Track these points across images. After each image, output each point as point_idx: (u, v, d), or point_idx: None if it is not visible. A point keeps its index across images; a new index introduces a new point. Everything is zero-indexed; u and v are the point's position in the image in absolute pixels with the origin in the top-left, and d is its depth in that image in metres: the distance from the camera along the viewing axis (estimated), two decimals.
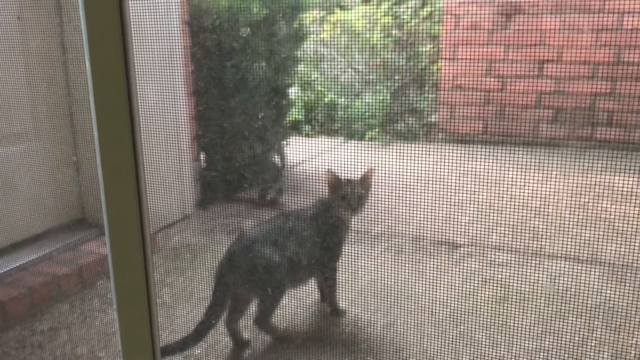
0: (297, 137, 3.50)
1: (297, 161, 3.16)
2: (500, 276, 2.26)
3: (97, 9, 0.91)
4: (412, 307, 2.09)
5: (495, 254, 2.39)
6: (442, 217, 2.39)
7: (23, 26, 2.30)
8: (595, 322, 1.93)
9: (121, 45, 0.93)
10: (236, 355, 2.00)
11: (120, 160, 1.01)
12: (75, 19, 2.34)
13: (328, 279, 2.08)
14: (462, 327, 1.98)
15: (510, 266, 2.32)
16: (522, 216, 2.53)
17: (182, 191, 2.81)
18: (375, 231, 2.58)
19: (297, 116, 3.70)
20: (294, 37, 3.04)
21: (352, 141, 3.61)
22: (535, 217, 2.54)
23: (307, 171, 2.89)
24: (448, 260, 2.38)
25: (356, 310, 2.12)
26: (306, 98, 3.89)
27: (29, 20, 2.32)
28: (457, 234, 2.49)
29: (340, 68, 4.08)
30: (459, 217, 2.51)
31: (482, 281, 2.23)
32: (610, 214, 2.37)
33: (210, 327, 1.92)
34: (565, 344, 1.84)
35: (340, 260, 2.06)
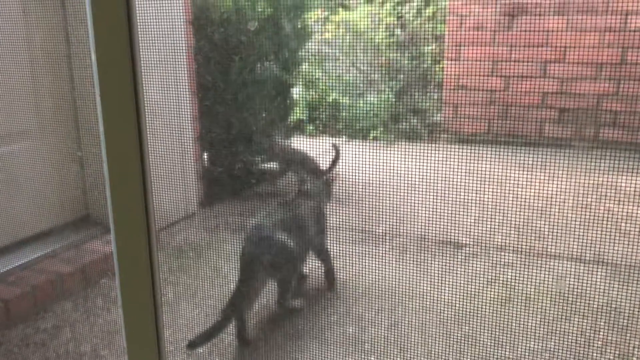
0: (301, 136, 3.50)
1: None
2: (504, 276, 2.25)
3: (103, 2, 0.90)
4: (416, 307, 2.09)
5: (499, 254, 2.38)
6: (447, 217, 2.38)
7: (28, 20, 2.30)
8: (600, 323, 1.92)
9: (127, 38, 0.92)
10: (240, 351, 2.00)
11: (126, 156, 1.00)
12: (80, 13, 2.33)
13: (322, 251, 2.26)
14: (466, 327, 1.98)
15: (515, 266, 2.31)
16: (526, 216, 2.52)
17: (186, 190, 2.81)
18: (380, 231, 2.57)
19: (300, 116, 3.70)
20: (298, 37, 3.04)
21: (356, 141, 3.61)
22: (539, 217, 2.54)
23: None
24: (452, 260, 2.37)
25: (360, 310, 2.12)
26: (310, 97, 3.88)
27: (33, 14, 2.32)
28: (461, 234, 2.49)
29: (344, 68, 4.07)
30: (463, 217, 2.50)
31: (486, 281, 2.22)
32: (615, 215, 2.36)
33: (234, 315, 1.99)
34: (570, 345, 1.84)
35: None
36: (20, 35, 2.29)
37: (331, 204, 2.39)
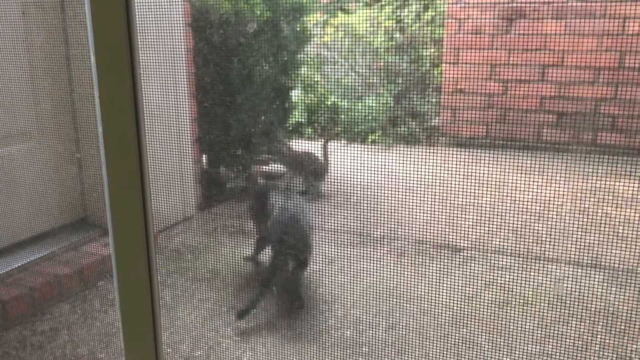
0: (300, 140, 3.50)
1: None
2: (502, 280, 2.26)
3: (103, 4, 0.91)
4: (414, 310, 2.09)
5: (497, 258, 2.38)
6: (444, 220, 2.39)
7: (27, 22, 2.30)
8: (598, 327, 1.93)
9: (127, 40, 0.92)
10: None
11: (125, 159, 1.01)
12: (80, 14, 2.33)
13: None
14: (464, 330, 1.98)
15: (513, 270, 2.31)
16: (524, 220, 2.53)
17: (184, 192, 2.81)
18: (377, 234, 2.57)
19: (299, 119, 3.70)
20: (297, 40, 3.04)
21: (354, 144, 3.61)
22: (537, 221, 2.54)
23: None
24: (450, 264, 2.38)
25: (358, 313, 2.12)
26: (308, 101, 3.89)
27: (33, 16, 2.32)
28: (459, 238, 2.49)
29: (343, 71, 4.08)
30: (461, 220, 2.50)
31: (484, 285, 2.23)
32: (612, 219, 2.36)
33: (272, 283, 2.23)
34: (568, 349, 1.84)
35: None
36: (20, 37, 2.29)
37: (329, 207, 2.45)
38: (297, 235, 2.26)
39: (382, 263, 2.39)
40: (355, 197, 2.65)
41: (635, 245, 2.09)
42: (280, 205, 2.35)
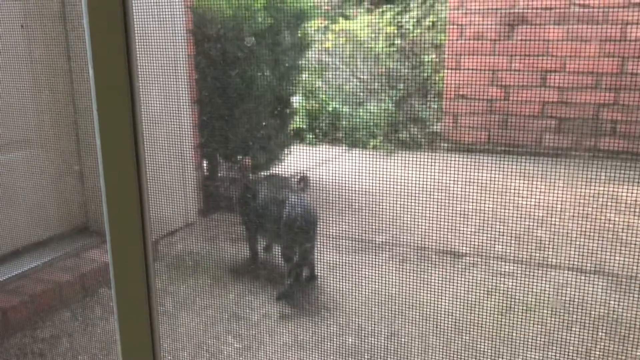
0: (301, 146, 3.50)
1: (302, 169, 3.15)
2: (504, 286, 2.25)
3: (101, 17, 0.91)
4: (415, 317, 2.08)
5: (499, 264, 2.37)
6: (446, 226, 2.38)
7: (27, 34, 2.31)
8: (600, 334, 1.92)
9: (124, 52, 0.92)
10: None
11: (122, 167, 1.00)
12: (79, 28, 2.34)
13: None
14: (466, 337, 1.97)
15: (515, 276, 2.30)
16: (526, 226, 2.52)
17: (185, 199, 2.81)
18: (379, 240, 2.57)
19: (300, 125, 3.71)
20: (298, 46, 3.05)
21: (356, 150, 3.61)
22: (539, 227, 2.53)
23: (311, 179, 2.90)
24: (452, 270, 2.37)
25: (359, 320, 2.11)
26: (310, 106, 3.89)
27: (33, 28, 2.33)
28: (461, 244, 2.48)
29: (344, 77, 4.08)
30: (463, 226, 2.50)
31: (486, 291, 2.22)
32: (614, 225, 2.35)
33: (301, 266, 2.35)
34: (570, 355, 1.83)
35: None
36: (20, 50, 2.30)
37: (331, 213, 2.47)
38: (309, 216, 2.38)
39: (384, 269, 2.39)
40: (356, 203, 2.65)
41: (638, 250, 2.08)
42: (285, 195, 2.45)
